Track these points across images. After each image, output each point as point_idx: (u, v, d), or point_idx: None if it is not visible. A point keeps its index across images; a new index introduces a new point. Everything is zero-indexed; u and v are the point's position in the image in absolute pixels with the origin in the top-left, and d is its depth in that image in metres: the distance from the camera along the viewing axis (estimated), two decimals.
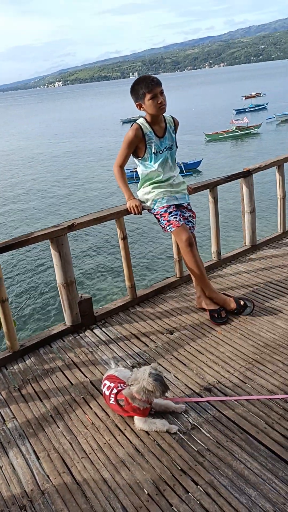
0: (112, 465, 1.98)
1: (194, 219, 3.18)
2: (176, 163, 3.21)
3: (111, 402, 2.25)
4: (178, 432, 2.11)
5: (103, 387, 2.35)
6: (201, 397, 2.33)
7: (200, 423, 2.15)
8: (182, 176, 3.26)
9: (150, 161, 3.06)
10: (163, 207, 3.07)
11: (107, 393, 2.28)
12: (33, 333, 9.02)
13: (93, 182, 23.68)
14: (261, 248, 4.17)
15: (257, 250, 4.13)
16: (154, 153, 3.04)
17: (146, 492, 1.83)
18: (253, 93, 62.49)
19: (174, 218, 3.03)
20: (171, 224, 3.02)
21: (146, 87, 2.89)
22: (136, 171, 3.19)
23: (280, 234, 4.35)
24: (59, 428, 2.25)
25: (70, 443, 2.14)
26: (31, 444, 2.17)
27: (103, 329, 3.15)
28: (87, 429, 2.22)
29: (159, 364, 2.64)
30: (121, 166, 3.14)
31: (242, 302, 3.07)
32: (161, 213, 3.08)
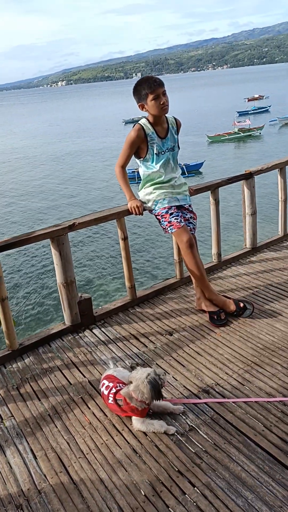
0: (109, 465, 1.98)
1: (195, 221, 3.18)
2: (178, 164, 3.21)
3: (110, 401, 2.25)
4: (175, 434, 2.11)
5: (102, 387, 2.35)
6: (199, 398, 2.33)
7: (198, 425, 2.15)
8: (183, 177, 3.26)
9: (152, 162, 3.06)
10: (164, 208, 3.07)
11: (106, 392, 2.28)
12: (32, 332, 9.02)
13: (94, 182, 23.68)
14: (262, 250, 4.17)
15: (258, 253, 4.13)
16: (156, 154, 3.04)
17: (143, 493, 1.83)
18: (256, 96, 62.48)
19: (175, 219, 3.03)
20: (172, 225, 3.02)
21: (149, 88, 2.89)
22: (138, 172, 3.19)
23: (281, 236, 4.34)
24: (56, 427, 2.25)
25: (67, 442, 2.14)
26: (28, 443, 2.17)
27: (103, 329, 3.15)
28: (84, 429, 2.22)
29: (158, 365, 2.64)
30: (123, 167, 3.14)
31: (241, 304, 3.07)
32: (162, 214, 3.08)
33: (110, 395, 2.25)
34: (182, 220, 3.05)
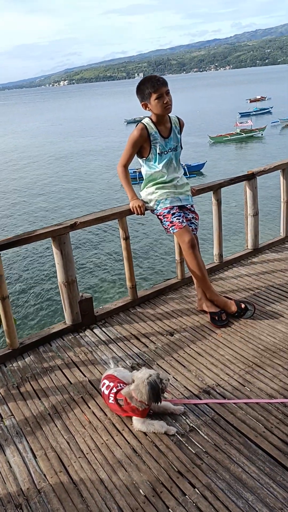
0: (109, 465, 1.98)
1: (197, 221, 3.17)
2: (180, 164, 3.20)
3: (110, 401, 2.25)
4: (176, 434, 2.10)
5: (102, 387, 2.34)
6: (200, 399, 2.32)
7: (199, 426, 2.14)
8: (185, 178, 3.26)
9: (155, 162, 3.05)
10: (166, 208, 3.06)
11: (106, 392, 2.28)
12: (33, 331, 9.02)
13: (96, 181, 23.69)
14: (264, 251, 4.16)
15: (259, 254, 4.12)
16: (158, 153, 3.03)
17: (143, 494, 1.82)
18: (258, 97, 62.49)
19: (177, 219, 3.02)
20: (174, 225, 3.02)
21: (152, 87, 2.89)
22: (140, 171, 3.18)
23: (283, 238, 4.34)
24: (56, 427, 2.24)
25: (67, 442, 2.14)
26: (28, 443, 2.16)
27: (103, 329, 3.14)
28: (84, 428, 2.21)
29: (159, 366, 2.64)
30: (125, 166, 3.13)
31: (243, 305, 3.07)
32: (164, 214, 3.07)
33: (111, 394, 2.24)
34: (184, 220, 3.04)
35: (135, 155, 3.10)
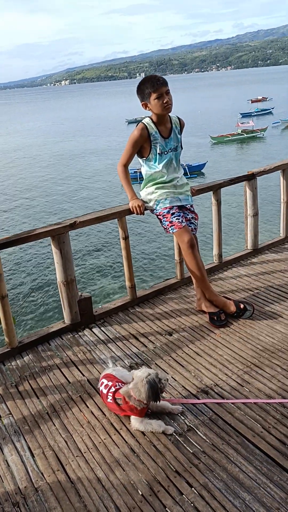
0: (106, 464, 1.98)
1: (196, 221, 3.17)
2: (180, 164, 3.21)
3: (109, 400, 2.25)
4: (174, 434, 2.10)
5: (101, 386, 2.34)
6: (198, 399, 2.32)
7: (196, 425, 2.15)
8: (186, 178, 3.26)
9: (155, 162, 3.06)
10: (166, 208, 3.07)
11: (105, 391, 2.28)
12: (32, 330, 9.02)
13: (96, 181, 23.69)
14: (263, 252, 4.17)
15: (259, 254, 4.12)
16: (159, 153, 3.03)
17: (140, 493, 1.82)
18: (260, 97, 62.45)
19: (176, 219, 3.02)
20: (173, 225, 3.02)
21: (152, 87, 2.89)
22: (140, 171, 3.18)
23: (282, 238, 4.34)
24: (54, 425, 2.25)
25: (65, 441, 2.14)
26: (26, 441, 2.17)
27: (102, 328, 3.14)
28: (82, 427, 2.21)
29: (157, 365, 2.64)
30: (125, 166, 3.14)
31: (242, 306, 3.07)
32: (164, 214, 3.07)
33: (109, 394, 2.25)
34: (184, 220, 3.04)
35: (135, 155, 3.11)
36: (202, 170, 23.07)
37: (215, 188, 3.68)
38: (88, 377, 2.60)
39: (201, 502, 1.75)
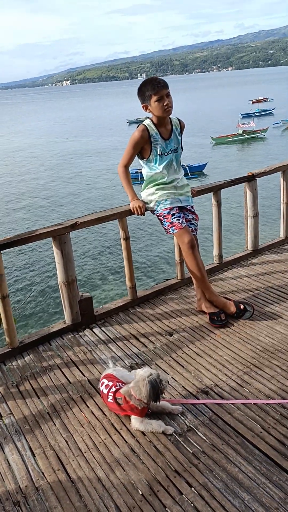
0: (107, 464, 1.99)
1: (197, 222, 3.19)
2: (180, 166, 3.22)
3: (109, 400, 2.26)
4: (173, 434, 2.11)
5: (101, 386, 2.35)
6: (198, 399, 2.33)
7: (196, 425, 2.16)
8: (186, 178, 3.27)
9: (155, 163, 3.07)
10: (166, 208, 3.08)
11: (105, 391, 2.29)
12: (32, 330, 9.04)
13: (97, 181, 23.71)
14: (263, 252, 4.18)
15: (259, 255, 4.13)
16: (159, 155, 3.05)
17: (140, 493, 1.83)
18: (261, 98, 62.43)
19: (177, 220, 3.03)
20: (174, 226, 3.03)
21: (153, 89, 2.90)
22: (141, 172, 3.20)
23: (282, 239, 4.35)
24: (55, 425, 2.26)
25: (66, 441, 2.15)
26: (27, 441, 2.18)
27: (103, 328, 3.15)
28: (83, 427, 2.22)
29: (158, 366, 2.65)
30: (126, 166, 3.15)
31: (242, 306, 3.08)
32: (164, 214, 3.08)
33: (110, 394, 2.26)
34: (184, 221, 3.05)
35: (136, 156, 3.12)
36: (203, 171, 23.08)
37: (215, 189, 3.69)
38: (88, 377, 2.61)
39: (201, 502, 1.76)
